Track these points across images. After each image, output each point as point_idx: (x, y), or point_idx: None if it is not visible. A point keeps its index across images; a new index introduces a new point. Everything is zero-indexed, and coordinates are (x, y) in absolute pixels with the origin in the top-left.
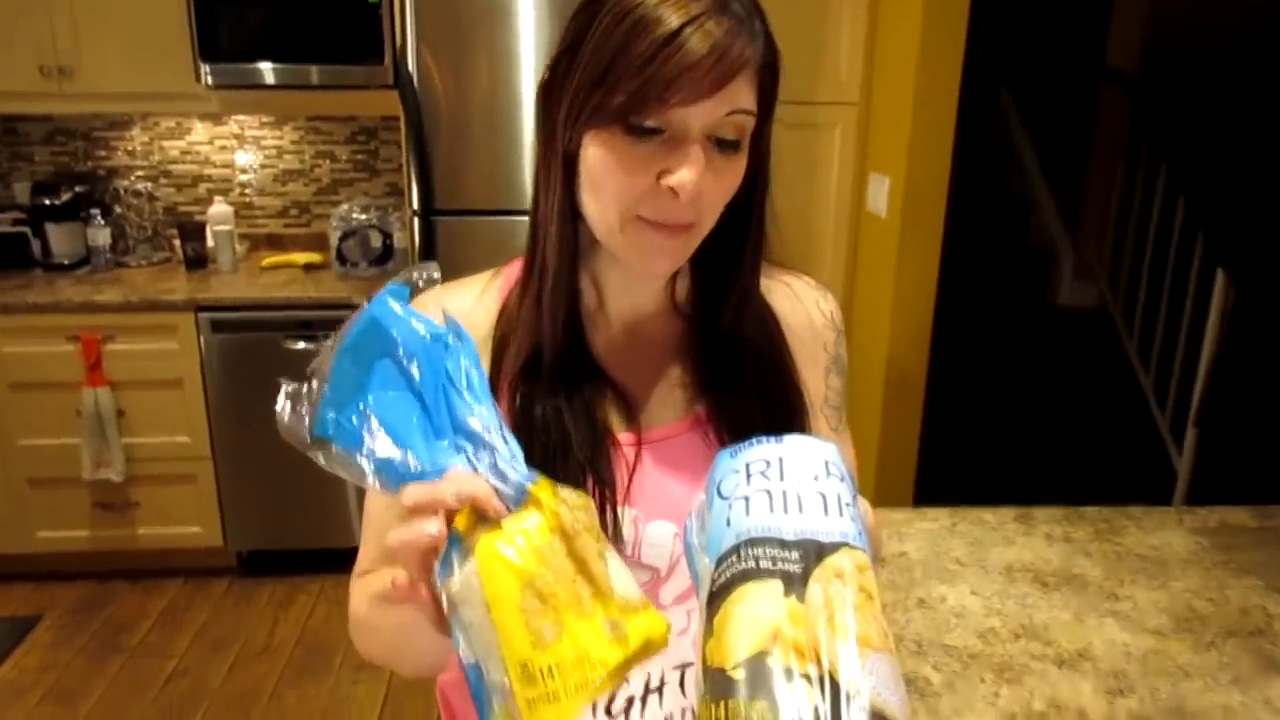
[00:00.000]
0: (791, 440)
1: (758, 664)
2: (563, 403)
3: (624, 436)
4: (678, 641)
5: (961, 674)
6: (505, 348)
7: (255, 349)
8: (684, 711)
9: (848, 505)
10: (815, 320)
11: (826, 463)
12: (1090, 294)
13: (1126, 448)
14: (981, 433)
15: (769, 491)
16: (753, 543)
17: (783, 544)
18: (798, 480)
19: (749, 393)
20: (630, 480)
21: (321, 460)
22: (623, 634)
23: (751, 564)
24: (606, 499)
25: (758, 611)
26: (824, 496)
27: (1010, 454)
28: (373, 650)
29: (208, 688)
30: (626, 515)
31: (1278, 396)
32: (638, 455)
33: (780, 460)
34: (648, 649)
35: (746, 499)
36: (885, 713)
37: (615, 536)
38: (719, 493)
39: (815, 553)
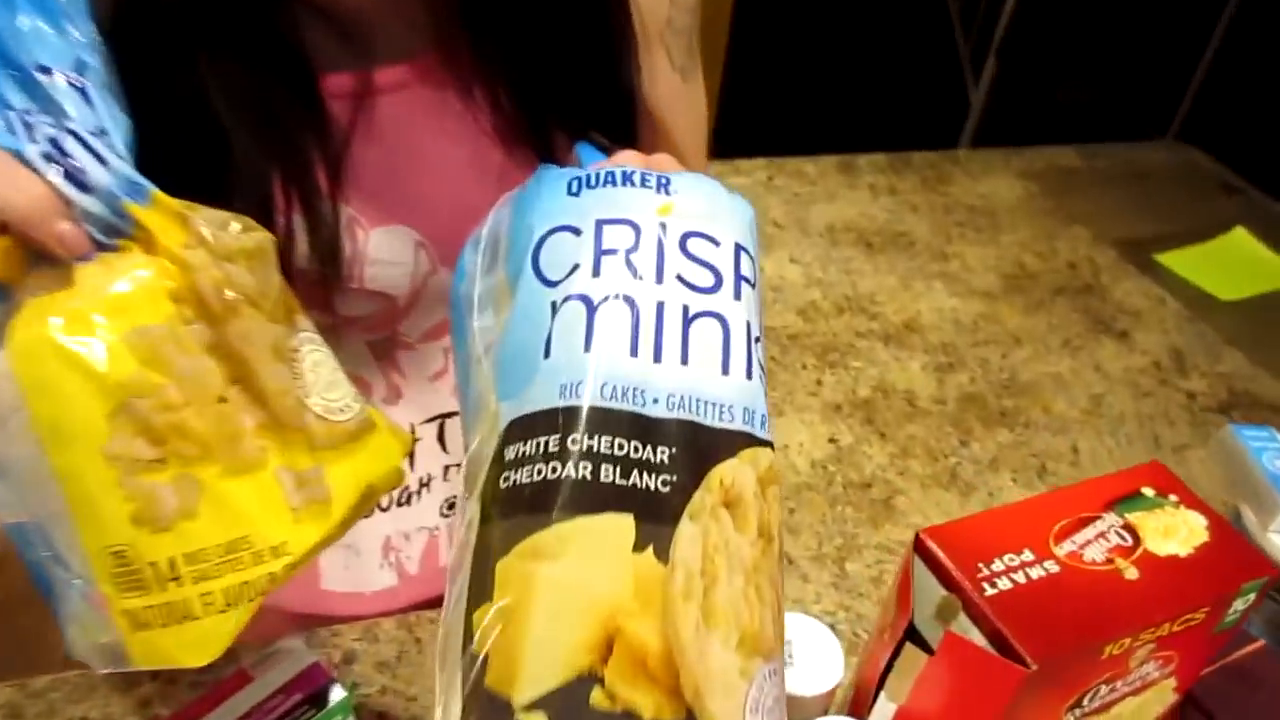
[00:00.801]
0: (690, 184)
1: (571, 706)
2: (222, 36)
3: (333, 82)
4: (432, 399)
5: (780, 361)
6: None
7: None
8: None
9: (757, 341)
10: None
11: (739, 249)
12: None
13: (926, 80)
14: (787, 69)
15: (632, 302)
16: (592, 419)
17: (644, 428)
18: (690, 285)
19: (541, 6)
20: (343, 154)
21: None
22: (320, 492)
23: (585, 471)
24: (304, 195)
25: (582, 584)
26: (726, 328)
27: (816, 90)
28: None
29: None
30: (341, 216)
31: (1078, 31)
32: (357, 111)
33: (661, 231)
34: (369, 499)
35: (589, 305)
36: None
37: (326, 259)
38: (535, 267)
39: (699, 453)
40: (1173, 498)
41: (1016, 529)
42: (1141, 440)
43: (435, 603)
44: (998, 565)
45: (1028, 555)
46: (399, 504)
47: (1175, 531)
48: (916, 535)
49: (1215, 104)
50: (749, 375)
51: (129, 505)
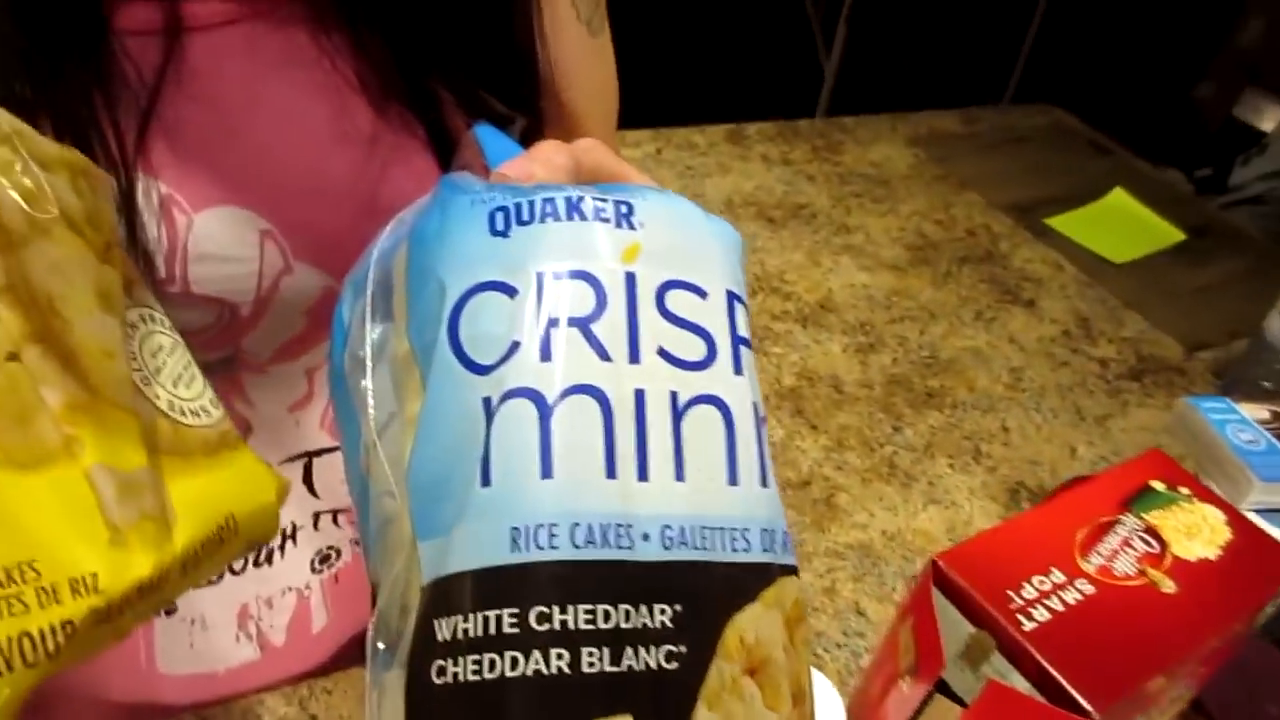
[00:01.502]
0: (657, 207)
1: None
2: None
3: (132, 12)
4: (292, 435)
5: None
6: None
7: None
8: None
9: (763, 422)
10: None
11: (732, 299)
12: None
13: (779, 50)
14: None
15: (602, 396)
16: (563, 581)
17: (635, 582)
18: (676, 360)
19: None
20: (149, 110)
21: None
22: (154, 505)
23: (560, 663)
24: (106, 155)
25: None
26: (729, 418)
27: (658, 59)
28: None
29: None
30: (152, 194)
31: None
32: (167, 54)
33: (630, 286)
34: (228, 539)
35: (541, 406)
36: None
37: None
38: (454, 344)
39: (710, 605)
40: (1184, 490)
41: (1036, 545)
42: (1065, 413)
43: (310, 676)
44: (1029, 591)
45: (1058, 576)
46: (256, 563)
47: (1197, 531)
48: (933, 563)
49: (1048, 67)
50: (764, 480)
51: None
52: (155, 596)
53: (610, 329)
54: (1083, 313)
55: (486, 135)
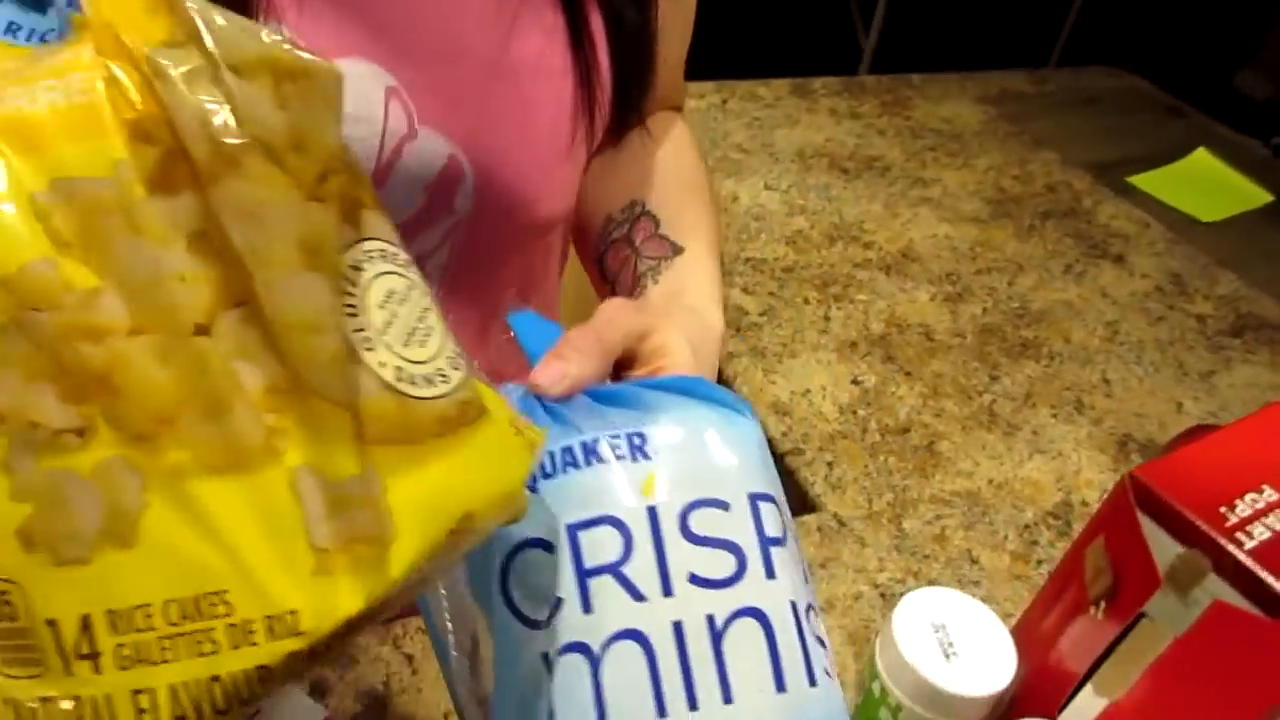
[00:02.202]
0: (670, 425)
1: None
2: None
3: None
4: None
5: (780, 295)
6: None
7: None
8: None
9: (810, 613)
10: None
11: (755, 501)
12: None
13: (814, 19)
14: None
15: (642, 638)
16: None
17: None
18: (707, 582)
19: None
20: None
21: None
22: (371, 523)
23: None
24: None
25: None
26: (768, 625)
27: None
28: None
29: None
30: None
31: None
32: None
33: (653, 521)
34: (459, 541)
35: (590, 658)
36: None
37: None
38: (508, 602)
39: None
40: None
41: (1239, 463)
42: (1166, 367)
43: (404, 616)
44: (1242, 509)
45: (1271, 494)
46: None
47: None
48: (1131, 476)
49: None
50: (812, 679)
51: (16, 508)
52: (364, 628)
53: (641, 568)
54: (1174, 270)
55: (523, 323)
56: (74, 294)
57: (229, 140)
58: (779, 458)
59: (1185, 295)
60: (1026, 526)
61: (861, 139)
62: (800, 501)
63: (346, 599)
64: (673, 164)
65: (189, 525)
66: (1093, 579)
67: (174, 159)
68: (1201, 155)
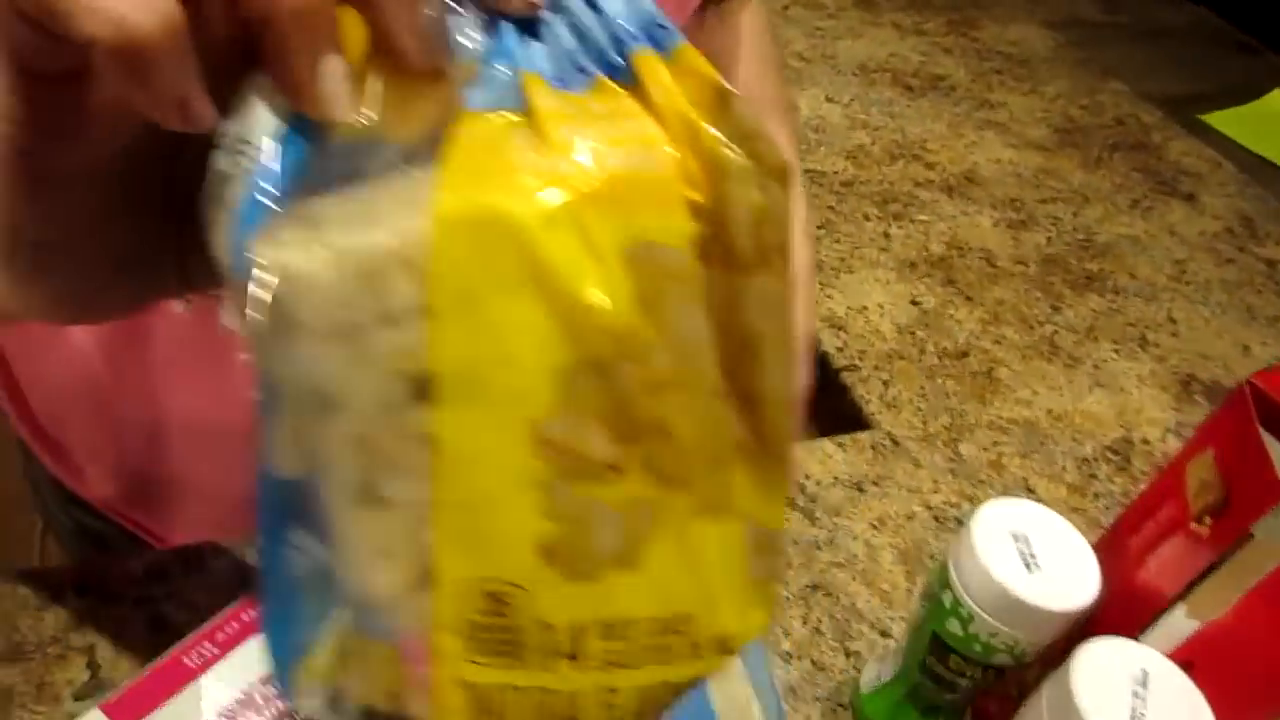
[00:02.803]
0: None
1: None
2: None
3: None
4: None
5: (839, 209)
6: None
7: None
8: None
9: None
10: None
11: None
12: None
13: None
14: None
15: None
16: None
17: None
18: None
19: None
20: None
21: None
22: (776, 566)
23: None
24: None
25: None
26: None
27: None
28: None
29: None
30: None
31: None
32: None
33: None
34: None
35: None
36: None
37: None
38: None
39: None
40: None
41: None
42: (1234, 309)
43: None
44: None
45: None
46: None
47: None
48: (1250, 384)
49: None
50: None
51: (545, 525)
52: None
53: None
54: (1246, 212)
55: None
56: (646, 349)
57: (767, 240)
58: (833, 373)
59: (1255, 238)
60: (1085, 460)
61: (926, 57)
62: (854, 418)
63: (756, 624)
64: (754, 38)
65: (680, 557)
66: (1197, 493)
67: (715, 242)
68: (1278, 97)
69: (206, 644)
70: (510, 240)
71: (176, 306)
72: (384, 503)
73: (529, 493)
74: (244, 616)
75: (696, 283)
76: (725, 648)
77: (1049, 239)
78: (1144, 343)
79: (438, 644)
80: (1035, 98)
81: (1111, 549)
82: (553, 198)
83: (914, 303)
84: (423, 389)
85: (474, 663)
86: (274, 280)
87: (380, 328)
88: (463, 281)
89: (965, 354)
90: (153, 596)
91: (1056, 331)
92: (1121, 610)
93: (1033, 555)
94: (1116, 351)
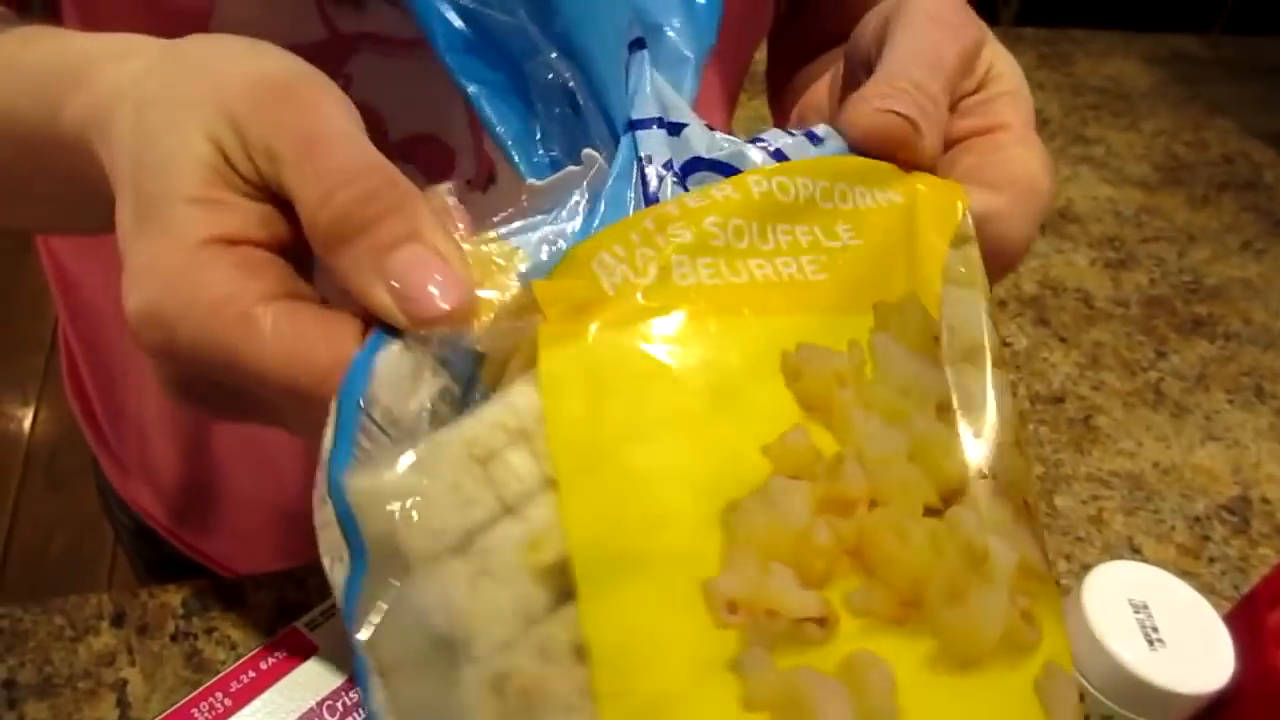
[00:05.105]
0: None
1: None
2: None
3: None
4: None
5: None
6: None
7: None
8: None
9: None
10: None
11: None
12: None
13: None
14: None
15: None
16: None
17: None
18: None
19: None
20: None
21: None
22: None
23: None
24: None
25: None
26: None
27: None
28: None
29: None
30: None
31: None
32: None
33: None
34: None
35: None
36: None
37: None
38: None
39: None
40: None
41: None
42: None
43: None
44: None
45: None
46: None
47: None
48: None
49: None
50: None
51: (751, 719)
52: None
53: None
54: None
55: None
56: (824, 462)
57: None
58: None
59: None
60: (1197, 519)
61: None
62: None
63: None
64: None
65: None
66: None
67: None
68: None
69: (219, 694)
70: (613, 368)
71: None
72: None
73: (719, 678)
74: (261, 665)
75: (876, 389)
76: None
77: (1152, 280)
78: (1260, 393)
79: None
80: (1135, 134)
81: (1245, 623)
82: (636, 318)
83: (1005, 343)
84: (562, 583)
85: None
86: (370, 509)
87: (497, 523)
88: (583, 436)
89: (1061, 399)
90: (190, 631)
91: (1162, 379)
92: (1257, 695)
93: (1155, 628)
94: (1230, 401)
